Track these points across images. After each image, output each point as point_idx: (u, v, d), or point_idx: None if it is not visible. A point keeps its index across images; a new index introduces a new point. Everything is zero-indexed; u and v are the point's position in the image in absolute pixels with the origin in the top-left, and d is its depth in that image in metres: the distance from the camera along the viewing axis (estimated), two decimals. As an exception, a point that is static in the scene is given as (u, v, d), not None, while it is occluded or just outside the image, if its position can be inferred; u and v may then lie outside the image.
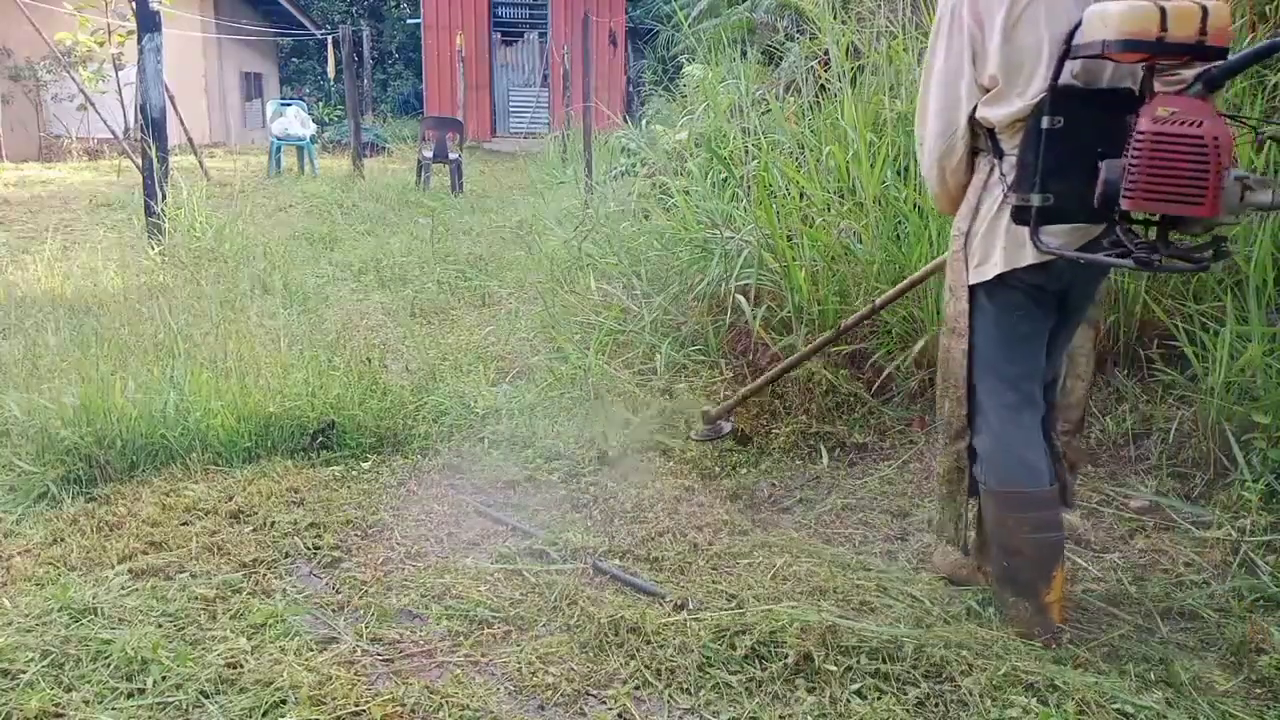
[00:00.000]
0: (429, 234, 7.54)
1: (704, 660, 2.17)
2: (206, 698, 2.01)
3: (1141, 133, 1.92)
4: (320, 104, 21.77)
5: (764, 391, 3.70)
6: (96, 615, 2.29)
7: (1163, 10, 1.87)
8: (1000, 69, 2.15)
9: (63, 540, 2.72)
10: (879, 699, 2.05)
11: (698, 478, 3.34)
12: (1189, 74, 2.02)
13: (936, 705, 2.04)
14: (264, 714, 1.97)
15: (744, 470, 3.43)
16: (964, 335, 2.33)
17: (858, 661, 2.15)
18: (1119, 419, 3.36)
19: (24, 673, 2.05)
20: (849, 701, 2.04)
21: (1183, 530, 2.92)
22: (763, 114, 5.28)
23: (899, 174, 4.17)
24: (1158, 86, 2.07)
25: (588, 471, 3.34)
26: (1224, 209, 1.90)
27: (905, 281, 3.15)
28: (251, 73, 20.88)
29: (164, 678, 2.06)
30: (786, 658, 2.15)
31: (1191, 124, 1.89)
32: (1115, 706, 2.03)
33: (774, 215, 4.15)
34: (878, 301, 3.21)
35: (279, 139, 12.59)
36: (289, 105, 13.14)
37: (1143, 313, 3.48)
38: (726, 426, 3.54)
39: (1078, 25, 2.02)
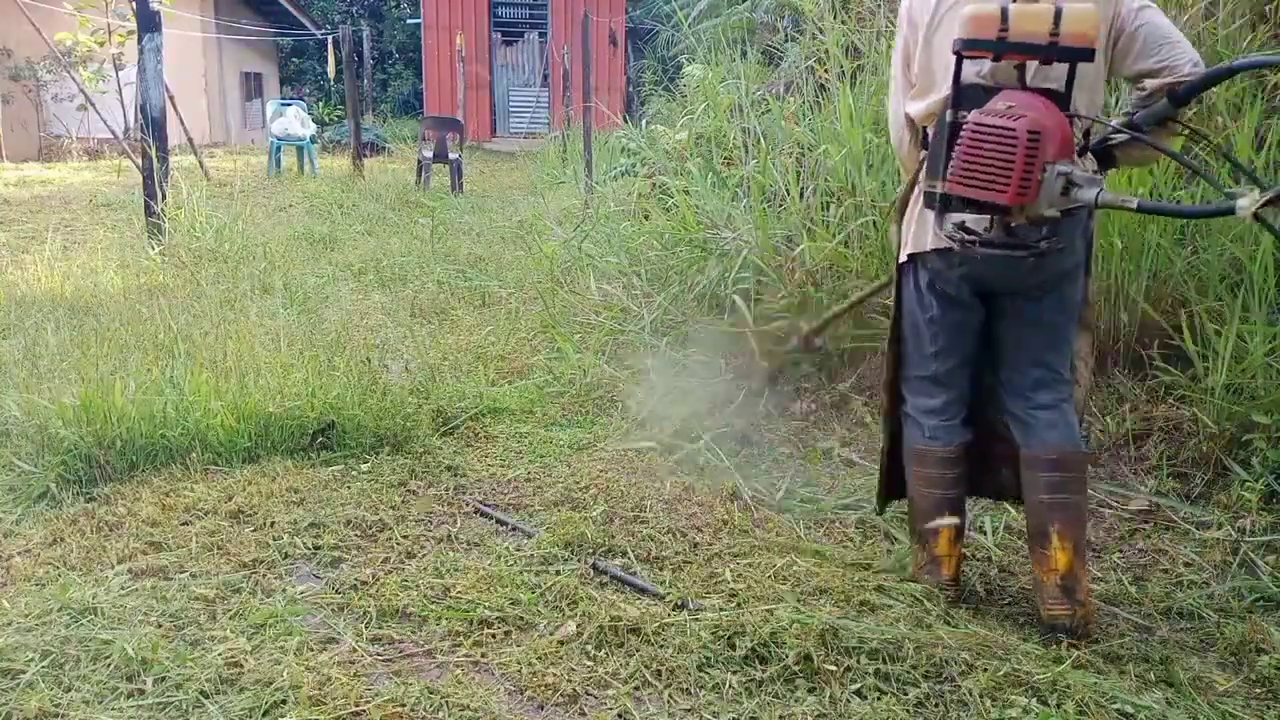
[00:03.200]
0: (429, 234, 7.54)
1: (704, 660, 2.17)
2: (206, 698, 2.01)
3: (968, 123, 2.07)
4: (320, 104, 21.76)
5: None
6: (96, 615, 2.28)
7: (1004, 10, 2.02)
8: (923, 68, 2.35)
9: (63, 540, 2.72)
10: (879, 699, 2.05)
11: (698, 477, 3.34)
12: (1156, 84, 2.17)
13: (936, 705, 2.04)
14: (264, 714, 1.97)
15: (744, 470, 3.43)
16: (894, 311, 2.55)
17: (858, 661, 2.15)
18: (1119, 419, 3.36)
19: (24, 673, 2.05)
20: (849, 702, 2.04)
21: (1183, 530, 2.92)
22: (762, 114, 5.28)
23: (899, 174, 4.17)
24: (1132, 95, 2.28)
25: (587, 471, 3.34)
26: (1043, 200, 2.01)
27: None
28: (251, 73, 20.88)
29: (164, 678, 2.05)
30: (786, 658, 2.15)
31: (1013, 117, 1.99)
32: (1115, 706, 2.03)
33: (765, 218, 4.15)
34: None
35: (279, 139, 12.59)
36: (289, 105, 13.12)
37: (1143, 313, 3.48)
38: (818, 343, 3.54)
39: None
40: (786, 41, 6.91)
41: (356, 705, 2.00)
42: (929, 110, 2.33)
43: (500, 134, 20.60)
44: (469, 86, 16.77)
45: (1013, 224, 2.12)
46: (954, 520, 2.49)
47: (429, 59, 20.11)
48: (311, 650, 2.21)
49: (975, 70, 2.21)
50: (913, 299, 2.47)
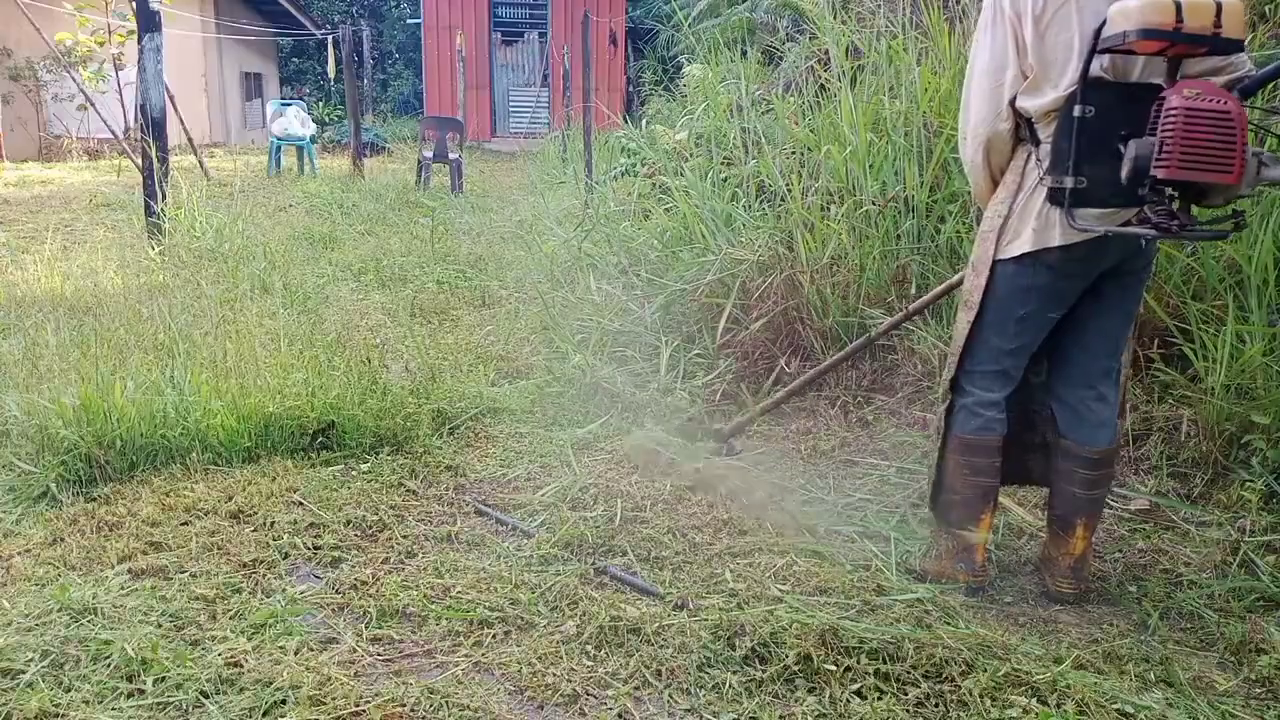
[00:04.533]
0: (429, 234, 7.54)
1: (704, 660, 2.17)
2: (206, 698, 2.01)
3: (1174, 108, 2.06)
4: (320, 104, 21.76)
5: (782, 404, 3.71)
6: (96, 615, 2.28)
7: (1178, 4, 2.04)
8: (1036, 62, 2.31)
9: (63, 540, 2.71)
10: (879, 699, 2.05)
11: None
12: (1221, 81, 2.23)
13: (936, 705, 2.04)
14: (264, 714, 1.97)
15: (744, 470, 3.42)
16: (974, 308, 2.51)
17: (858, 661, 2.15)
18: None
19: (24, 673, 2.05)
20: (849, 702, 2.04)
21: (1183, 530, 2.92)
22: (762, 114, 5.28)
23: (897, 174, 4.17)
24: None
25: (587, 471, 3.34)
26: (1244, 181, 2.06)
27: (942, 285, 3.12)
28: (251, 73, 20.87)
29: (164, 678, 2.05)
30: (786, 658, 2.15)
31: (1219, 100, 2.05)
32: (1115, 706, 2.03)
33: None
34: (911, 307, 3.22)
35: (279, 139, 12.59)
36: (289, 105, 13.12)
37: (1143, 313, 3.48)
38: (738, 446, 3.57)
39: (1104, 21, 2.17)
40: (786, 41, 6.91)
41: (356, 705, 2.00)
42: (1050, 106, 2.31)
43: (500, 134, 20.60)
44: (468, 86, 16.76)
45: (1204, 205, 2.19)
46: (994, 511, 2.62)
47: (429, 59, 20.11)
48: (311, 650, 2.21)
49: (1097, 64, 2.24)
50: (1013, 295, 2.45)
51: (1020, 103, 2.36)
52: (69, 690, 2.01)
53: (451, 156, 11.54)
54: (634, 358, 4.31)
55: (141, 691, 2.02)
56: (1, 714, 1.93)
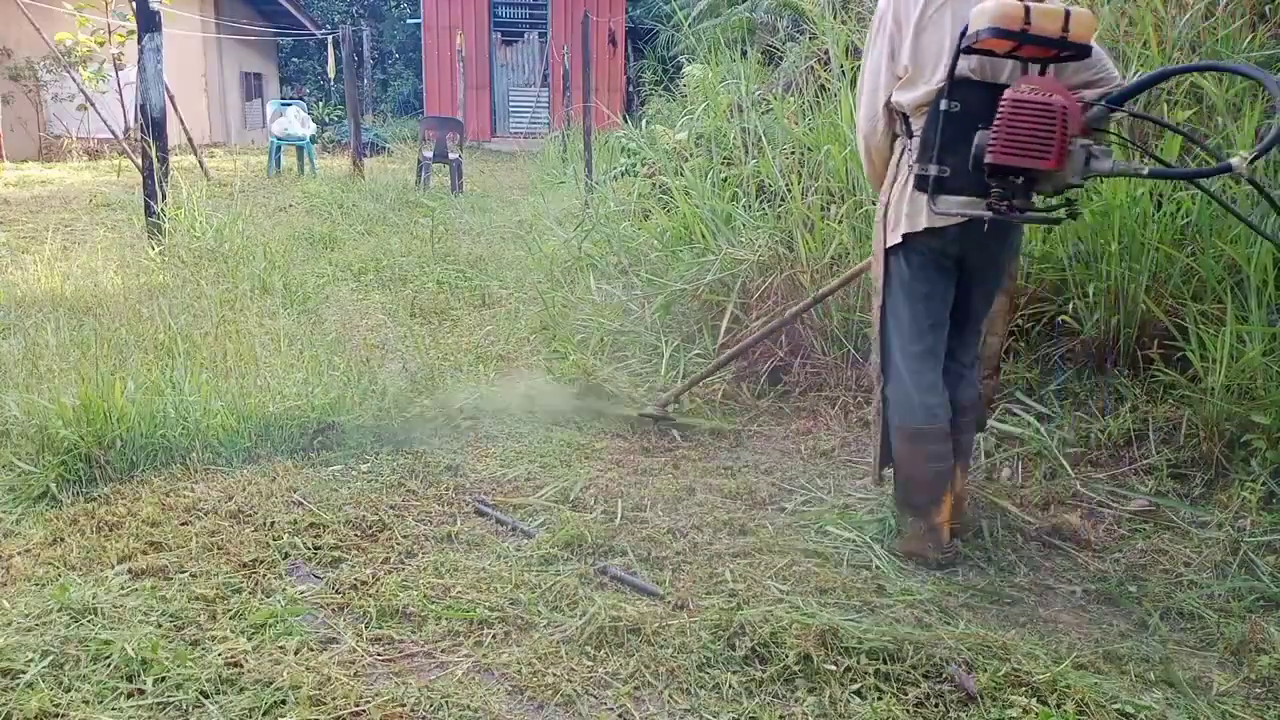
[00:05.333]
0: (429, 234, 7.54)
1: (704, 660, 2.18)
2: (206, 698, 2.01)
3: (1004, 100, 2.30)
4: (320, 104, 21.75)
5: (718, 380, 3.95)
6: (96, 615, 2.28)
7: (1027, 8, 2.25)
8: (911, 61, 2.55)
9: (63, 540, 2.71)
10: (879, 699, 2.05)
11: (698, 477, 3.34)
12: (1091, 95, 2.47)
13: (936, 705, 2.04)
14: (264, 714, 1.97)
15: (744, 470, 3.43)
16: (880, 292, 2.73)
17: (858, 661, 2.15)
18: (1119, 419, 3.36)
19: (24, 673, 2.05)
20: (849, 701, 2.04)
21: (1183, 530, 2.92)
22: (762, 114, 5.28)
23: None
24: None
25: (587, 471, 3.35)
26: (1070, 170, 2.29)
27: (848, 273, 3.28)
28: (251, 73, 20.87)
29: (164, 678, 2.05)
30: (786, 658, 2.15)
31: (1045, 95, 2.26)
32: (1115, 706, 2.03)
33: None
34: (818, 293, 3.36)
35: (279, 139, 12.59)
36: (289, 105, 13.12)
37: (1143, 313, 3.48)
38: (671, 411, 3.78)
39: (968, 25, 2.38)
40: (786, 41, 6.91)
41: (356, 705, 2.00)
42: (921, 100, 2.54)
43: (500, 134, 20.60)
44: (468, 86, 16.76)
45: (1039, 193, 2.41)
46: (952, 489, 2.74)
47: (429, 59, 20.11)
48: (311, 650, 2.21)
49: (966, 65, 2.47)
50: (906, 277, 2.67)
51: (896, 97, 2.59)
52: (69, 690, 2.01)
53: (451, 156, 11.54)
54: (634, 358, 4.31)
55: (141, 691, 2.02)
56: (1, 714, 1.93)
